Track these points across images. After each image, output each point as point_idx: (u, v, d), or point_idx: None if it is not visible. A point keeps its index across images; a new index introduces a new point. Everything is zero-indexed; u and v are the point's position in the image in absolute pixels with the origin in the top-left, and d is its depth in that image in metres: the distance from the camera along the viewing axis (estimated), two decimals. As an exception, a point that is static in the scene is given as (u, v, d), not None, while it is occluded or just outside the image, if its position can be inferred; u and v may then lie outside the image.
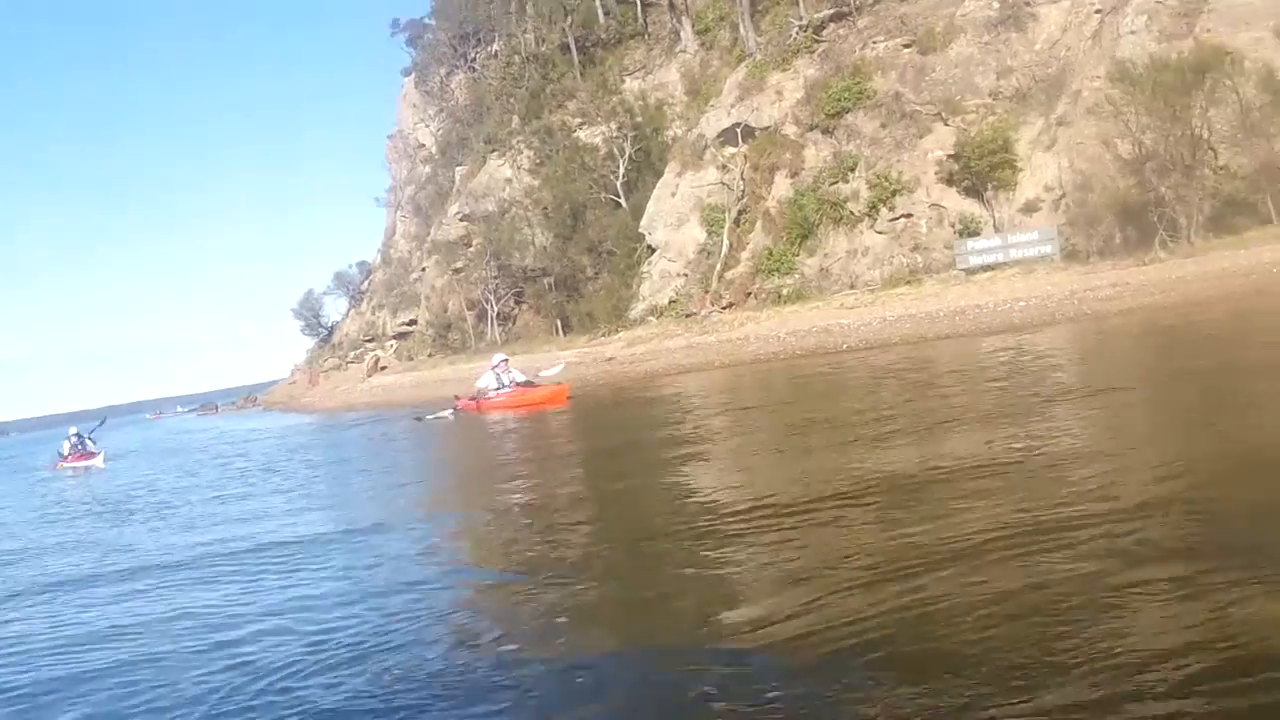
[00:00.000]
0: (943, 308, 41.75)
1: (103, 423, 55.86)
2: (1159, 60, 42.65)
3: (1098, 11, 51.92)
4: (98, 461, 41.25)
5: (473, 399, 37.93)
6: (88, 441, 43.87)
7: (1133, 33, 49.21)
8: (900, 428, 16.61)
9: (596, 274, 68.32)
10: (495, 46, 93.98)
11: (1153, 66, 42.44)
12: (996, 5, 54.24)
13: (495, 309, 76.38)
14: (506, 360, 38.13)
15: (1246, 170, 42.37)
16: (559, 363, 42.98)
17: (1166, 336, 26.45)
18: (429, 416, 37.92)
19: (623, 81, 75.07)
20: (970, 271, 47.14)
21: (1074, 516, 8.60)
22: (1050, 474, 10.80)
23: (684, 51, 72.40)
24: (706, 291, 56.63)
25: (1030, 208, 49.00)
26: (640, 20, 79.05)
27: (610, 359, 51.38)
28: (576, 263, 69.37)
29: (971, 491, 10.32)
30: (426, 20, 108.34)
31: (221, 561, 13.18)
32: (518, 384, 36.62)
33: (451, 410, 37.86)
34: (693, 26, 72.34)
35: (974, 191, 50.38)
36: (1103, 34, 50.81)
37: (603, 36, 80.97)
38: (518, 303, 76.83)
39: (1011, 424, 15.08)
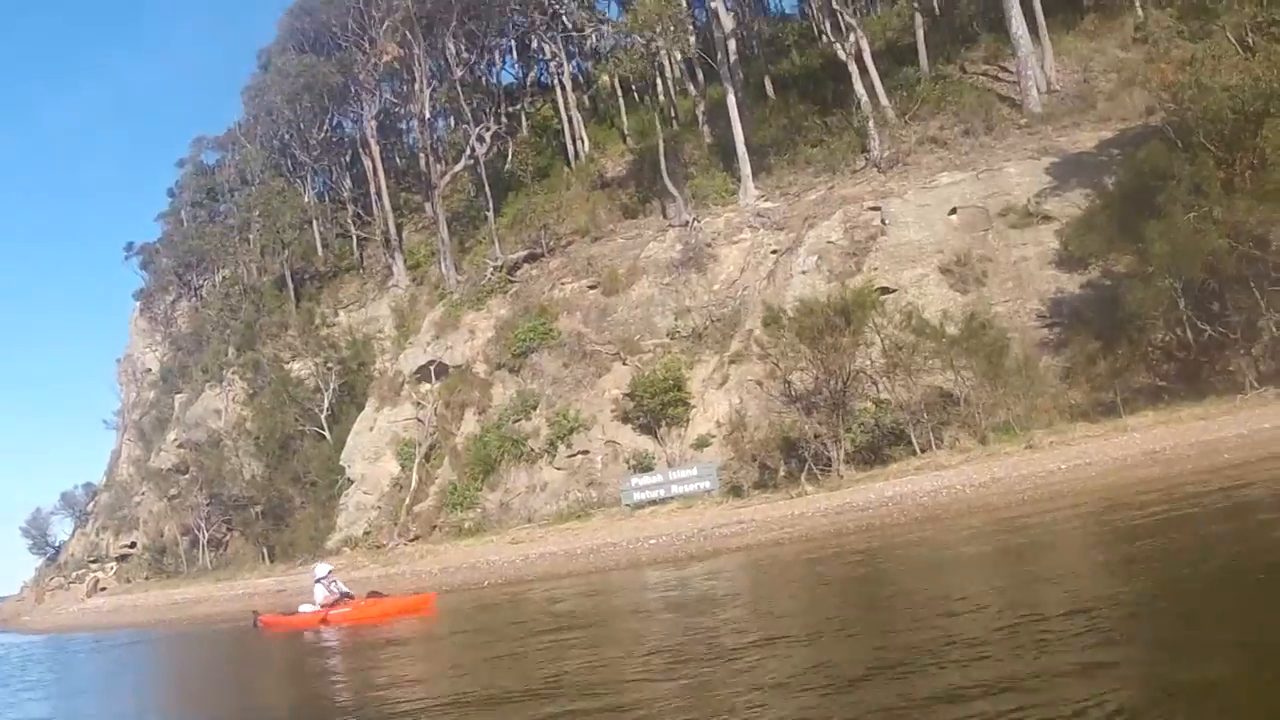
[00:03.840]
0: (581, 545, 42.41)
1: None
2: (806, 304, 43.88)
3: (774, 252, 54.00)
4: None
5: (297, 611, 34.50)
6: None
7: (804, 272, 51.24)
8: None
9: (303, 504, 67.51)
10: (220, 275, 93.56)
11: (801, 310, 43.57)
12: (679, 247, 55.99)
13: (206, 536, 75.19)
14: (333, 571, 34.80)
15: (900, 403, 43.51)
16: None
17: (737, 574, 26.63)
18: None
19: (337, 315, 75.45)
20: (636, 506, 47.50)
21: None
22: None
23: (396, 286, 73.18)
24: (396, 524, 56.09)
25: (702, 443, 50.10)
26: (357, 254, 79.72)
27: (282, 590, 50.70)
28: (284, 493, 69.06)
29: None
30: (157, 245, 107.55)
31: None
32: (363, 596, 33.27)
33: (253, 625, 35.38)
34: (405, 262, 73.19)
35: (648, 428, 51.54)
36: (777, 273, 52.46)
37: (320, 269, 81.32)
38: (229, 530, 75.63)
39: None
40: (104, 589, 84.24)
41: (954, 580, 18.04)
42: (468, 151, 68.66)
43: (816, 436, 43.40)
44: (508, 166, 72.83)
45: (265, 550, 68.68)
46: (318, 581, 33.54)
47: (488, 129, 70.81)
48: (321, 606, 32.46)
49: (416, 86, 71.37)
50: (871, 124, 55.70)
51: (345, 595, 32.80)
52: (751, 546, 34.54)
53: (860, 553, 26.36)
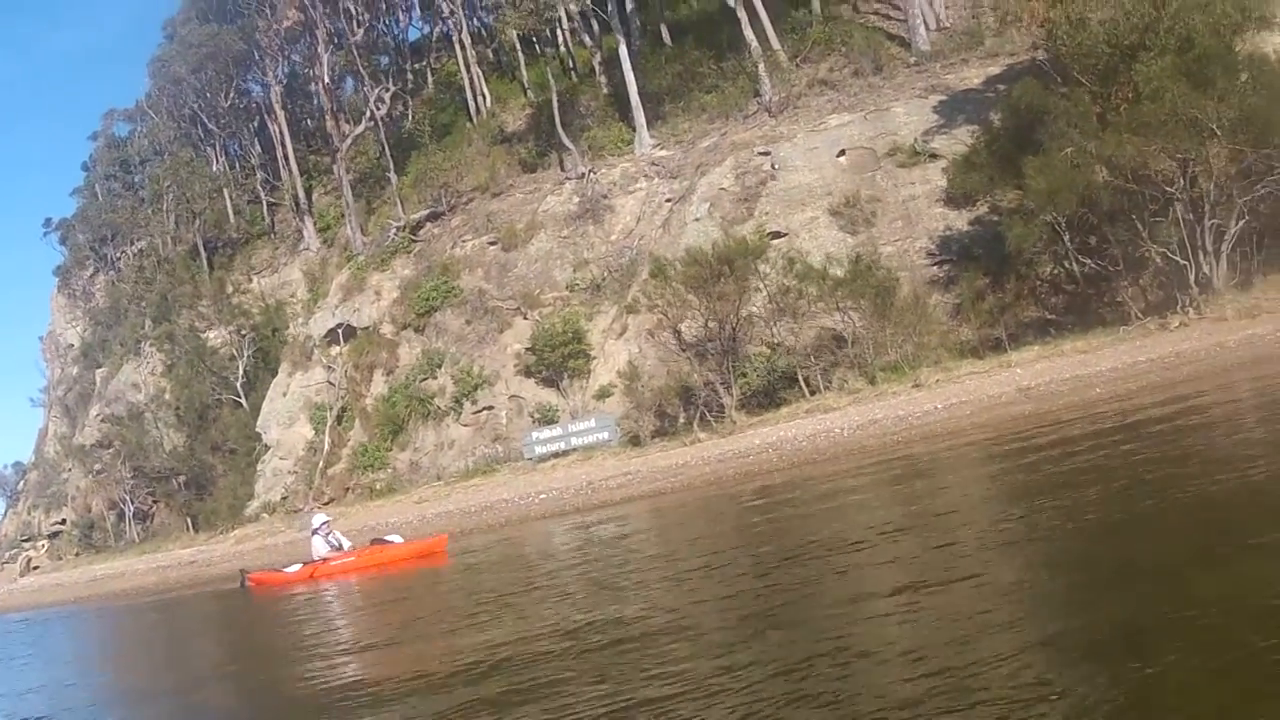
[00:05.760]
0: (477, 502, 43.29)
1: None
2: (691, 254, 44.33)
3: (668, 200, 54.52)
4: None
5: (305, 564, 30.98)
6: None
7: (697, 220, 51.69)
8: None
9: (224, 472, 67.87)
10: (136, 248, 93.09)
11: (686, 260, 44.02)
12: (576, 200, 56.36)
13: (133, 509, 75.26)
14: (329, 522, 32.22)
15: (790, 347, 44.01)
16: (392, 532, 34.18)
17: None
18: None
19: (250, 281, 75.59)
20: (539, 460, 48.17)
21: None
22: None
23: (307, 250, 73.23)
24: (310, 488, 56.55)
25: (604, 393, 50.83)
26: (268, 220, 79.68)
27: (194, 561, 51.41)
28: (204, 462, 69.43)
29: None
30: (73, 221, 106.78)
31: None
32: (364, 544, 31.06)
33: (240, 585, 32.04)
34: (315, 225, 73.20)
35: (551, 381, 52.22)
36: (672, 222, 52.86)
37: (233, 236, 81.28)
38: (154, 502, 75.77)
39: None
40: (36, 568, 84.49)
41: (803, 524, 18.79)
42: (367, 114, 68.60)
43: (707, 384, 44.06)
44: (407, 127, 72.72)
45: (189, 520, 68.99)
46: (314, 533, 31.39)
47: (387, 90, 70.69)
48: (321, 560, 30.28)
49: (319, 49, 71.21)
50: (762, 68, 56.11)
51: (341, 548, 30.69)
52: (635, 498, 35.14)
53: (733, 499, 27.03)
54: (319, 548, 30.58)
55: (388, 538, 31.03)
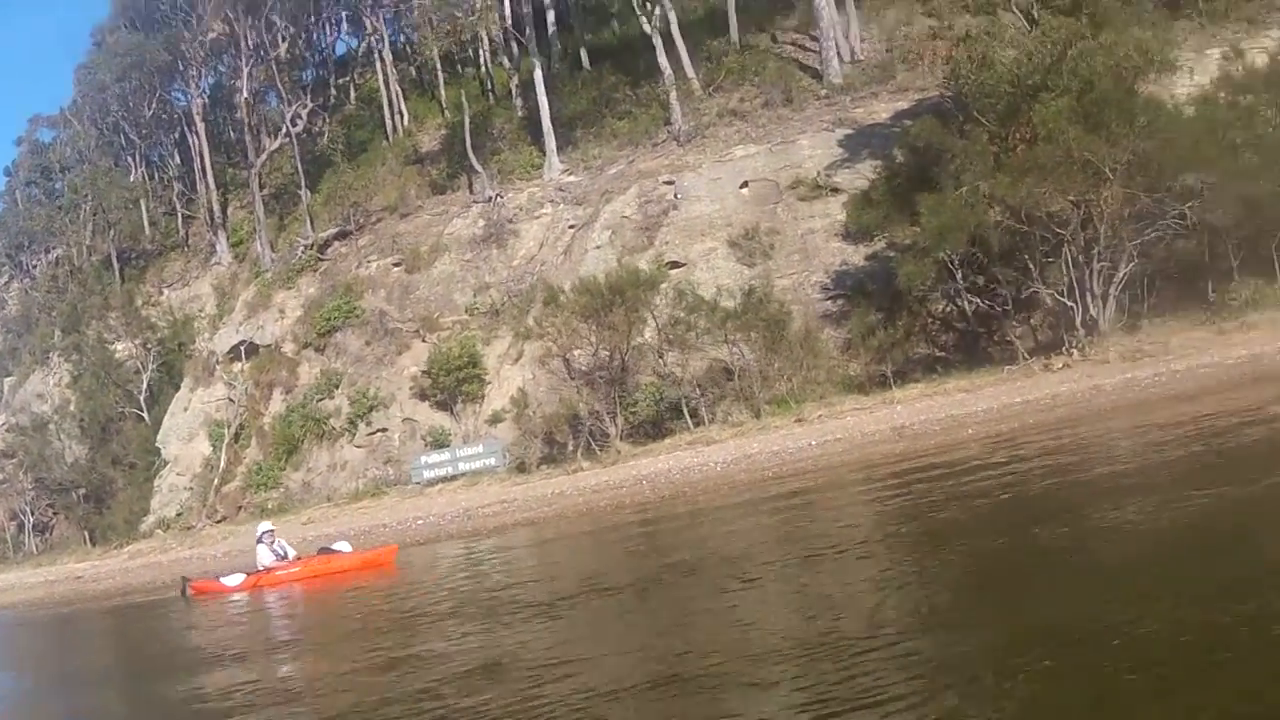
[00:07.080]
0: (358, 526, 43.08)
1: None
2: (584, 283, 44.27)
3: (572, 227, 54.46)
4: None
5: (245, 575, 29.70)
6: None
7: (598, 248, 51.71)
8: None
9: (124, 486, 66.94)
10: (52, 256, 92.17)
11: (578, 289, 43.92)
12: (482, 223, 56.31)
13: (32, 521, 74.04)
14: (273, 531, 31.00)
15: (679, 378, 43.87)
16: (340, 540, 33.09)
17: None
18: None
19: (161, 294, 74.91)
20: (427, 484, 48.00)
21: None
22: None
23: (219, 264, 72.55)
24: (204, 505, 56.07)
25: (497, 418, 50.74)
26: (182, 232, 79.04)
27: (80, 577, 50.84)
28: (105, 475, 68.24)
29: None
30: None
31: None
32: (311, 554, 30.08)
33: (180, 594, 30.26)
34: (229, 240, 72.64)
35: (445, 405, 52.06)
36: (573, 249, 52.75)
37: (148, 248, 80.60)
38: (55, 514, 74.59)
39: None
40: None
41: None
42: (283, 130, 68.27)
43: (593, 413, 43.91)
44: (323, 144, 72.40)
45: (87, 534, 67.85)
46: (259, 541, 30.07)
47: (304, 105, 70.46)
48: (265, 569, 29.21)
49: (242, 61, 70.87)
50: (673, 96, 55.89)
51: (286, 557, 29.58)
52: (509, 526, 35.18)
53: (591, 532, 27.14)
54: (264, 556, 29.43)
55: (335, 546, 30.12)
